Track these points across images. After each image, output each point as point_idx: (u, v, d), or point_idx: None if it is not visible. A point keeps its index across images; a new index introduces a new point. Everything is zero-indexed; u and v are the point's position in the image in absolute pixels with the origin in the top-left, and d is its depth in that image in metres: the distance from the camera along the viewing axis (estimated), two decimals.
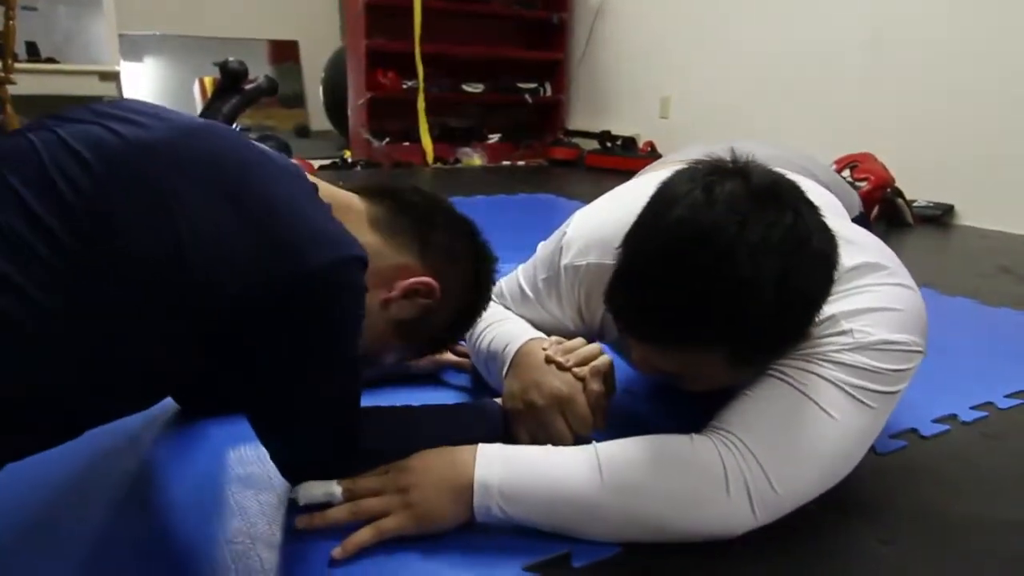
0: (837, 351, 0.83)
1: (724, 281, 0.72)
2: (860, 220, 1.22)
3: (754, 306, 0.73)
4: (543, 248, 1.14)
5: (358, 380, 0.83)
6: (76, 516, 0.87)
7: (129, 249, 0.65)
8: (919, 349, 0.87)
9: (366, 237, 0.83)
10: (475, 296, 0.99)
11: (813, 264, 0.75)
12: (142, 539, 0.83)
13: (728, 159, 0.79)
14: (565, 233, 1.08)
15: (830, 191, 1.16)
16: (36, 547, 0.81)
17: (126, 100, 0.75)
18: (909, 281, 0.91)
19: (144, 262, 0.66)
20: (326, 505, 0.82)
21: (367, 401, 0.88)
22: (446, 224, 0.96)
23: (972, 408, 1.23)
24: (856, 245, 0.90)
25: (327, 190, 0.83)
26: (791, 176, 1.03)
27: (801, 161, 1.23)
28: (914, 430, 1.13)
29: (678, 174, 0.80)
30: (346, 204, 0.86)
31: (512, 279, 1.19)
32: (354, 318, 0.77)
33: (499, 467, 0.80)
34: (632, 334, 0.84)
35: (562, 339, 1.04)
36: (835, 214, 1.08)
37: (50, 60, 5.09)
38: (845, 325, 0.84)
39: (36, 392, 0.64)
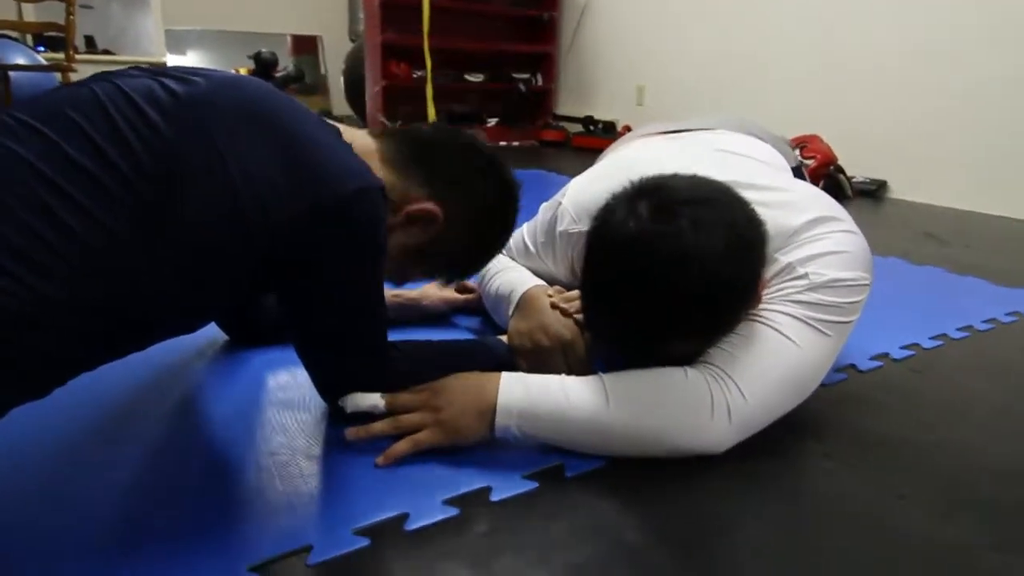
0: (797, 292, 0.84)
1: (662, 302, 0.74)
2: (797, 171, 1.21)
3: (693, 308, 0.75)
4: (543, 211, 1.14)
5: (383, 303, 0.82)
6: (134, 430, 0.88)
7: (186, 184, 0.64)
8: (866, 283, 0.88)
9: (378, 173, 0.81)
10: (494, 224, 0.92)
11: (725, 254, 0.74)
12: (193, 449, 0.84)
13: (636, 184, 0.80)
14: (560, 203, 1.09)
15: (773, 147, 1.17)
16: (98, 454, 0.82)
17: (175, 66, 0.75)
18: (852, 226, 0.92)
19: (200, 196, 0.65)
20: (368, 416, 0.83)
21: (393, 338, 0.88)
22: (456, 147, 0.89)
23: (901, 348, 1.24)
24: (803, 203, 0.91)
25: (348, 132, 0.81)
26: (732, 148, 1.06)
27: (748, 127, 1.23)
28: (853, 365, 1.15)
29: (603, 211, 0.81)
30: (362, 144, 0.82)
31: (518, 235, 1.19)
32: (377, 240, 0.76)
33: (519, 393, 0.81)
34: (615, 351, 0.87)
35: (562, 288, 1.05)
36: (777, 167, 1.10)
37: (105, 52, 5.01)
38: (800, 270, 0.85)
39: (111, 305, 0.63)
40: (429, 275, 0.96)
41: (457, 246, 0.89)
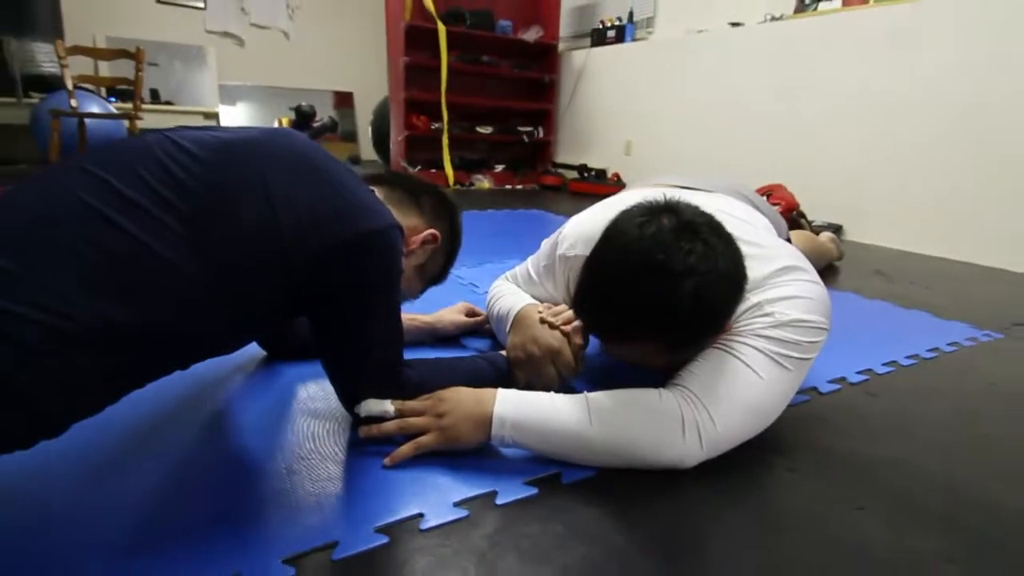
0: (763, 328, 0.83)
1: (652, 300, 0.73)
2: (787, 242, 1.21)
3: (675, 317, 0.74)
4: (545, 243, 1.15)
5: (400, 324, 0.83)
6: (178, 434, 0.87)
7: (233, 215, 0.65)
8: (824, 327, 0.87)
9: None
10: (455, 239, 1.03)
11: (720, 282, 0.75)
12: (231, 453, 0.83)
13: (662, 201, 0.79)
14: (561, 232, 1.09)
15: (766, 218, 1.16)
16: (144, 455, 0.81)
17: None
18: (816, 278, 0.91)
19: (246, 226, 0.65)
20: (381, 420, 0.82)
21: (409, 357, 0.87)
22: (426, 191, 0.99)
23: (857, 373, 1.23)
24: (777, 257, 0.91)
25: None
26: (726, 210, 1.03)
27: (746, 193, 1.23)
28: (814, 388, 1.13)
29: (625, 212, 0.81)
30: None
31: (523, 267, 1.20)
32: (396, 271, 0.78)
33: (513, 406, 0.80)
34: (592, 333, 0.86)
35: (551, 304, 1.05)
36: (766, 231, 1.08)
37: (168, 103, 5.08)
38: (768, 308, 0.84)
39: (167, 327, 0.62)
40: (428, 284, 1.05)
41: (439, 261, 1.02)
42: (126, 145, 0.68)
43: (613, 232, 0.80)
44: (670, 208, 0.78)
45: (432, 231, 0.95)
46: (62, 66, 3.16)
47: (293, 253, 0.68)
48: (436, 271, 1.03)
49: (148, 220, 0.61)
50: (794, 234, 1.89)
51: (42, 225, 0.59)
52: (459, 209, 1.04)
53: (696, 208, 0.79)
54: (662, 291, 0.72)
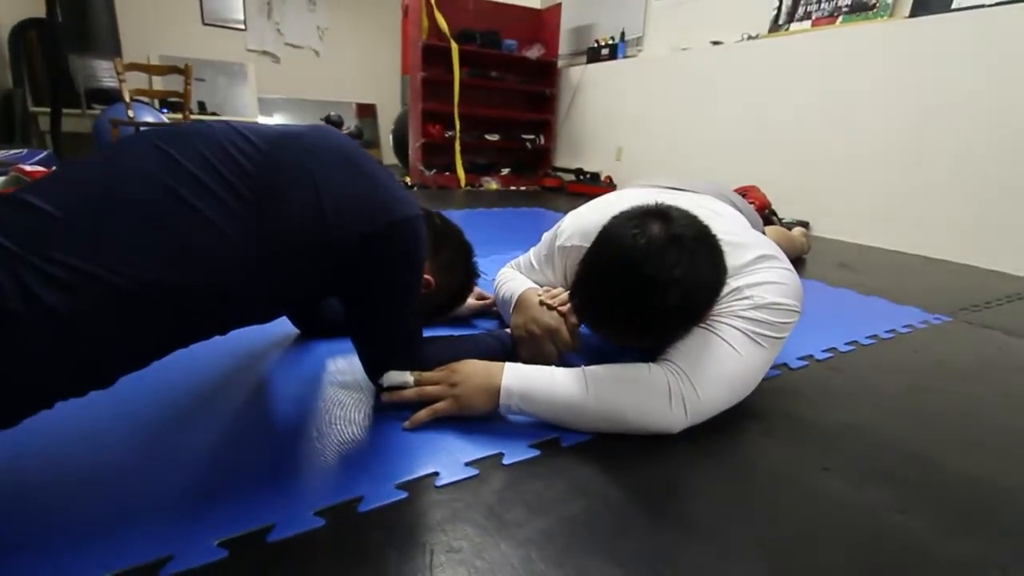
0: (743, 309, 0.82)
1: (642, 303, 0.71)
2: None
3: (660, 321, 0.73)
4: (546, 235, 1.13)
5: (420, 308, 0.82)
6: (221, 402, 0.86)
7: (284, 199, 0.64)
8: (797, 310, 0.86)
9: None
10: (461, 292, 1.07)
11: (702, 290, 0.73)
12: (269, 418, 0.82)
13: (654, 207, 0.76)
14: (560, 225, 1.08)
15: (744, 215, 1.14)
16: (191, 420, 0.80)
17: None
18: (790, 267, 0.90)
19: (294, 209, 0.64)
20: (402, 389, 0.82)
21: (426, 335, 0.87)
22: (452, 245, 1.00)
23: (823, 351, 1.22)
24: (755, 247, 0.90)
25: None
26: (710, 207, 1.02)
27: (729, 196, 1.21)
28: (785, 364, 1.13)
29: (619, 218, 0.77)
30: None
31: (526, 256, 1.19)
32: (421, 257, 0.77)
33: (519, 378, 0.79)
34: (585, 325, 0.84)
35: (549, 288, 1.04)
36: (745, 225, 1.06)
37: (213, 113, 5.05)
38: (747, 292, 0.83)
39: (214, 292, 0.61)
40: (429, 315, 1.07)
41: (438, 302, 1.04)
42: (193, 128, 0.66)
43: (607, 238, 0.76)
44: (661, 215, 0.74)
45: (427, 277, 0.92)
46: (120, 81, 3.14)
47: (333, 236, 0.67)
48: (433, 308, 1.06)
49: (205, 193, 0.60)
50: (769, 229, 1.88)
51: (107, 190, 0.58)
52: (476, 275, 1.08)
53: (684, 214, 0.76)
54: (650, 301, 0.70)
